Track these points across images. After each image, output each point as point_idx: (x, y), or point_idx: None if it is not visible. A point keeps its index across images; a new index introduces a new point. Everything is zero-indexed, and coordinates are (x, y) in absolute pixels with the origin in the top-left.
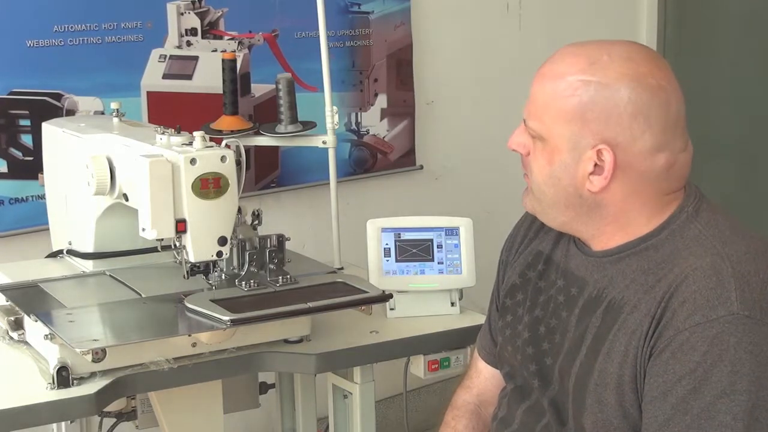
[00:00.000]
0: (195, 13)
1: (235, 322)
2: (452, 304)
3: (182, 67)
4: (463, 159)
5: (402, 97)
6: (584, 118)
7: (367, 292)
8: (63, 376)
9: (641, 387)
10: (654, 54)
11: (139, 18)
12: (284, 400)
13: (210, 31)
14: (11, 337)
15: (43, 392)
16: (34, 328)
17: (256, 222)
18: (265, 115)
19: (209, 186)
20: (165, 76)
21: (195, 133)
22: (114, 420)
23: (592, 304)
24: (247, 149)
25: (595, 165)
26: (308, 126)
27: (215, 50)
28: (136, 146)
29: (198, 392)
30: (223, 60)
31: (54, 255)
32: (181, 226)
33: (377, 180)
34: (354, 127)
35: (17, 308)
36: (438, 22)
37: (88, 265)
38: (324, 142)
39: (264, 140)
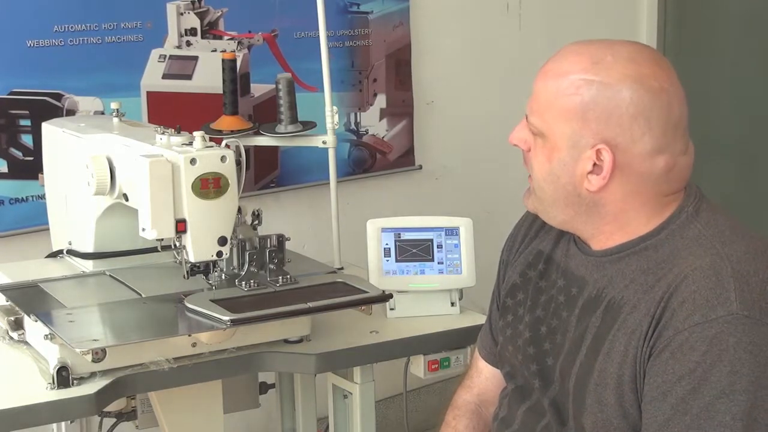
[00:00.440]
0: (195, 13)
1: (235, 322)
2: (452, 304)
3: (182, 67)
4: (462, 159)
5: (401, 97)
6: (585, 117)
7: (367, 292)
8: (63, 376)
9: (641, 387)
10: (658, 55)
11: (138, 18)
12: (284, 400)
13: (210, 31)
14: (11, 337)
15: (43, 392)
16: (34, 328)
17: (256, 222)
18: (264, 115)
19: (209, 186)
20: (165, 76)
21: (195, 133)
22: (114, 420)
23: (591, 303)
24: (247, 149)
25: (594, 164)
26: (308, 126)
27: (215, 50)
28: (136, 146)
29: (198, 392)
30: (222, 60)
31: (54, 255)
32: (181, 226)
33: (377, 180)
34: (353, 127)
35: (17, 308)
36: (437, 22)
37: (88, 265)
38: (324, 142)
39: (264, 140)
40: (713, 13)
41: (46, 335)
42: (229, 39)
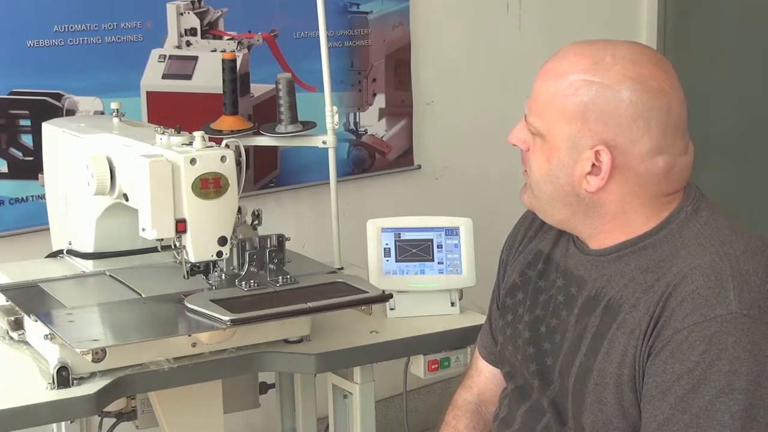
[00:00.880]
0: (195, 13)
1: (235, 322)
2: (452, 304)
3: (182, 67)
4: (462, 159)
5: (400, 97)
6: (584, 118)
7: (367, 292)
8: (63, 376)
9: (640, 386)
10: (658, 56)
11: (138, 18)
12: (284, 400)
13: (209, 31)
14: (11, 337)
15: (43, 392)
16: (34, 328)
17: (256, 222)
18: (264, 115)
19: (209, 186)
20: (165, 76)
21: (195, 133)
22: (114, 420)
23: (591, 303)
24: (247, 149)
25: (593, 165)
26: (308, 126)
27: (215, 50)
28: (136, 146)
29: (198, 392)
30: (222, 60)
31: (54, 255)
32: (181, 226)
33: (377, 180)
34: (352, 126)
35: (17, 308)
36: (437, 22)
37: (88, 265)
38: (324, 142)
39: (264, 140)
40: (713, 12)
41: (46, 335)
42: (229, 39)
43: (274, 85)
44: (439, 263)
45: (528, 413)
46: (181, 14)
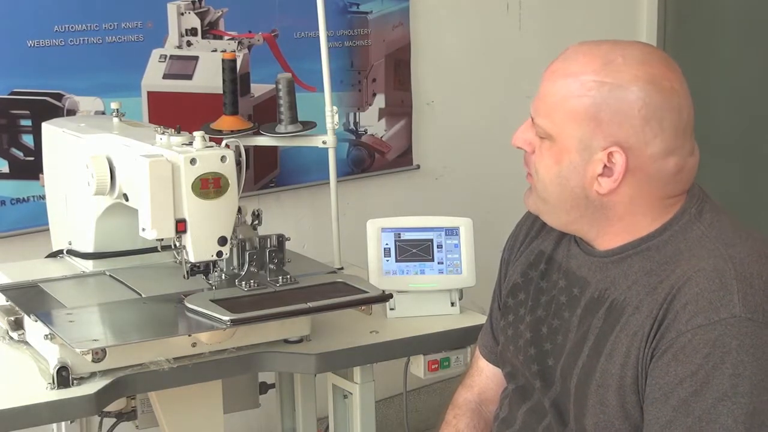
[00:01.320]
0: (195, 13)
1: (235, 322)
2: (452, 304)
3: (182, 67)
4: (462, 159)
5: (400, 97)
6: (597, 119)
7: (367, 292)
8: (63, 376)
9: (642, 388)
10: (667, 57)
11: (139, 18)
12: (284, 400)
13: (210, 31)
14: (11, 337)
15: (43, 392)
16: (34, 328)
17: (256, 222)
18: (264, 115)
19: (209, 186)
20: (165, 76)
21: (195, 133)
22: (114, 420)
23: (594, 304)
24: (247, 149)
25: (604, 167)
26: (308, 126)
27: (215, 50)
28: (136, 146)
29: (198, 392)
30: (223, 60)
31: (54, 255)
32: (181, 226)
33: (377, 180)
34: (352, 126)
35: (17, 308)
36: (437, 22)
37: (88, 265)
38: (324, 142)
39: (264, 140)
40: (713, 12)
41: (46, 335)
42: (229, 39)
43: (274, 85)
44: (439, 263)
45: (529, 413)
46: (182, 14)
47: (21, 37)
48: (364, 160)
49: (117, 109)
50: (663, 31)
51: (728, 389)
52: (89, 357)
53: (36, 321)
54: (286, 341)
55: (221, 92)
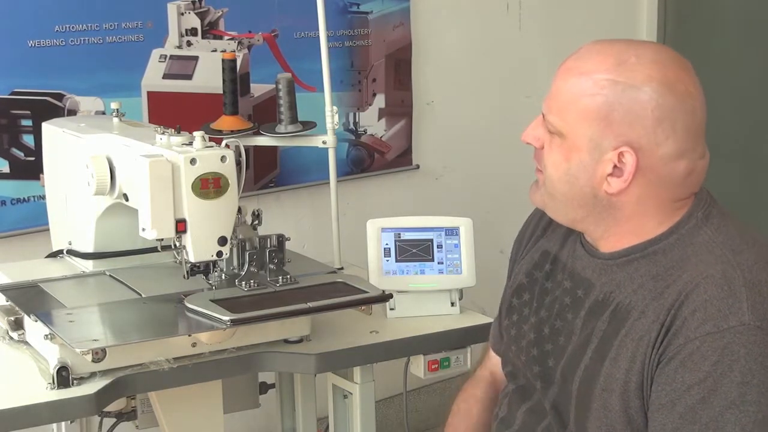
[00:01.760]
0: (195, 13)
1: (235, 322)
2: (452, 304)
3: (182, 67)
4: (462, 159)
5: (400, 97)
6: (609, 118)
7: (367, 292)
8: (63, 376)
9: (647, 394)
10: (681, 58)
11: (139, 18)
12: (284, 400)
13: (210, 31)
14: (11, 337)
15: (43, 392)
16: (34, 328)
17: (256, 222)
18: (264, 115)
19: (209, 186)
20: (165, 76)
21: (195, 133)
22: (114, 420)
23: (598, 307)
24: (247, 149)
25: (615, 167)
26: (308, 126)
27: (215, 50)
28: (136, 146)
29: (198, 392)
30: (223, 60)
31: (54, 255)
32: (181, 226)
33: (376, 180)
34: (352, 126)
35: (17, 308)
36: (437, 22)
37: (88, 265)
38: (324, 142)
39: (264, 140)
40: (713, 13)
41: (46, 335)
42: (229, 39)
43: (274, 85)
44: (439, 263)
45: (528, 414)
46: (182, 14)
47: (21, 37)
48: (364, 160)
49: (117, 109)
50: (663, 31)
51: (736, 397)
52: (89, 357)
53: (36, 321)
54: (286, 341)
55: (221, 92)
